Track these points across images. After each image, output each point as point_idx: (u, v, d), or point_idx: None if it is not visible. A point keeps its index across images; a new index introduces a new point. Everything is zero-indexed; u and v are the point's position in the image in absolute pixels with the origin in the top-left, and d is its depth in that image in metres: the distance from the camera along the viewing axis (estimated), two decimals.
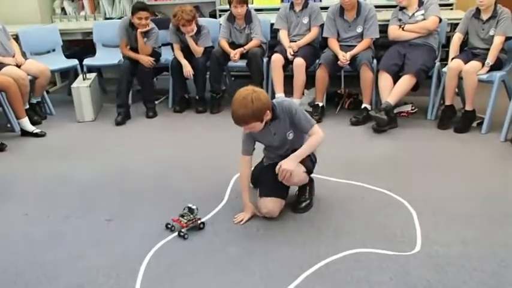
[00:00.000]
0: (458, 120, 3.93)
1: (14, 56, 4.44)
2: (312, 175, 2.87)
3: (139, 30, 4.43)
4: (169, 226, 2.65)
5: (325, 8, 4.53)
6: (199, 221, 2.64)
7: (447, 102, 3.98)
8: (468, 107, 3.87)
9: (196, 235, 2.59)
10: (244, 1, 4.45)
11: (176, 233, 2.58)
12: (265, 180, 2.78)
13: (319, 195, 2.91)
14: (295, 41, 4.44)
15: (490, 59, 3.76)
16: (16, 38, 4.82)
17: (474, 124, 3.92)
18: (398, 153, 3.53)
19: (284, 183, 2.68)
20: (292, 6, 4.49)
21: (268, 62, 4.48)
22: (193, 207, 2.64)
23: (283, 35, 4.51)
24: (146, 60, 4.48)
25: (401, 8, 4.20)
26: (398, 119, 4.09)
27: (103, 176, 3.37)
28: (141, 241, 2.55)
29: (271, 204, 2.68)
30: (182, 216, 2.62)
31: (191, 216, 2.62)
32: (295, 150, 2.65)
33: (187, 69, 4.50)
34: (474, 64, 3.76)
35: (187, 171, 3.36)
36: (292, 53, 4.33)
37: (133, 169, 3.46)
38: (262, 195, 2.71)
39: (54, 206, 2.98)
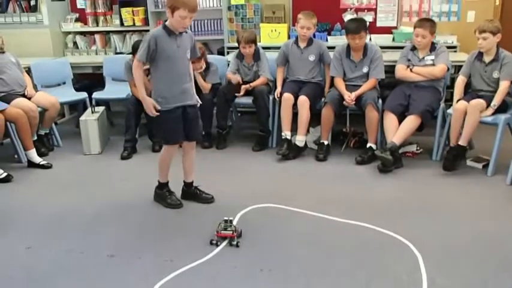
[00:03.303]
0: (446, 155, 3.90)
1: (26, 89, 4.52)
2: (313, 213, 2.86)
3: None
4: (213, 242, 2.81)
5: (331, 48, 4.60)
6: (239, 230, 2.87)
7: (452, 143, 3.99)
8: (462, 142, 3.84)
9: (199, 274, 2.57)
10: (252, 41, 4.54)
11: (180, 269, 2.57)
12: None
13: (323, 236, 2.89)
14: (295, 78, 4.51)
15: (496, 102, 3.79)
16: (28, 71, 4.92)
17: (480, 166, 3.92)
18: (403, 194, 3.52)
19: None
20: (296, 41, 4.55)
21: (274, 99, 4.54)
22: (230, 218, 2.87)
23: (279, 73, 4.61)
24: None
25: (413, 49, 4.26)
26: (403, 159, 4.08)
27: (107, 210, 3.37)
28: (143, 278, 2.53)
29: None
30: (225, 229, 2.81)
31: (232, 226, 2.83)
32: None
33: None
34: (480, 101, 3.78)
35: (191, 208, 3.35)
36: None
37: (137, 204, 3.46)
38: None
39: (57, 239, 2.98)
